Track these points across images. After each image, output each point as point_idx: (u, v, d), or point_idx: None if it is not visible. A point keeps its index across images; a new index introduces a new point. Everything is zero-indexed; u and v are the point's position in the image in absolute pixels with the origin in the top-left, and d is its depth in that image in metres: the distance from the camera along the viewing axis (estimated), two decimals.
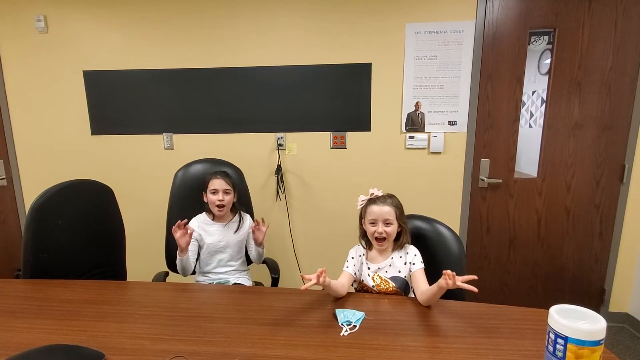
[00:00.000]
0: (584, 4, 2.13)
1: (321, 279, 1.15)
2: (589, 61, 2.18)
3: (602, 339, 0.77)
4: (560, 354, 0.80)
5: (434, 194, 2.41)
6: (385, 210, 1.33)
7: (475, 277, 1.09)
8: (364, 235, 1.42)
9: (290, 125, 2.40)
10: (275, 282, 1.85)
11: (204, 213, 1.77)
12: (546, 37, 3.08)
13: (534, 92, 3.46)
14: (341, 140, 2.40)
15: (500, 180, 2.36)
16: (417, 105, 2.31)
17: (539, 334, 1.04)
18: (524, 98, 2.30)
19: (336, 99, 2.35)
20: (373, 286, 1.35)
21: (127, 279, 1.82)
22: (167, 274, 1.86)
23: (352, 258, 1.41)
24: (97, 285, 1.40)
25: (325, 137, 2.41)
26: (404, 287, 1.34)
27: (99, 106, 2.46)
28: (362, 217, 1.41)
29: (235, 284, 1.74)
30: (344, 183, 2.45)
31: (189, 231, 1.54)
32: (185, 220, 1.56)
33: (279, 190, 2.47)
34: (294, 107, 2.38)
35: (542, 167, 2.33)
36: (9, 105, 2.48)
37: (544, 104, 2.30)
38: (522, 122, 2.29)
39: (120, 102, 2.44)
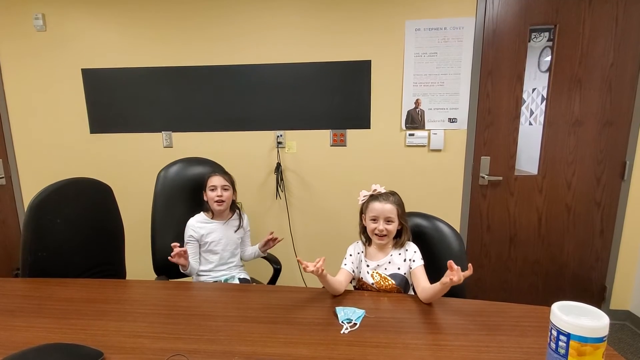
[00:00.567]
0: (585, 0, 2.12)
1: (318, 265, 1.15)
2: (589, 58, 2.17)
3: (605, 336, 0.76)
4: (562, 351, 0.79)
5: (434, 192, 2.40)
6: (387, 208, 1.32)
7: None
8: (363, 230, 1.42)
9: (289, 123, 2.40)
10: (277, 273, 1.86)
11: (201, 213, 1.77)
12: (546, 34, 3.07)
13: (534, 90, 3.45)
14: (341, 138, 2.39)
15: (501, 178, 2.35)
16: (417, 102, 2.30)
17: (540, 331, 1.03)
18: (524, 96, 2.29)
19: (336, 97, 2.34)
20: (372, 283, 1.35)
21: (127, 278, 1.82)
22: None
23: (351, 255, 1.40)
24: (96, 284, 1.39)
25: (325, 135, 2.40)
26: (403, 284, 1.34)
27: (98, 104, 2.45)
28: (362, 212, 1.41)
29: (240, 278, 1.75)
30: (343, 181, 2.44)
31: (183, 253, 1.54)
32: (177, 244, 1.52)
33: (279, 189, 2.46)
34: (293, 104, 2.37)
35: (542, 165, 2.33)
36: (7, 104, 2.47)
37: (545, 101, 2.29)
38: (522, 119, 2.28)
39: (119, 100, 2.43)
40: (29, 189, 2.58)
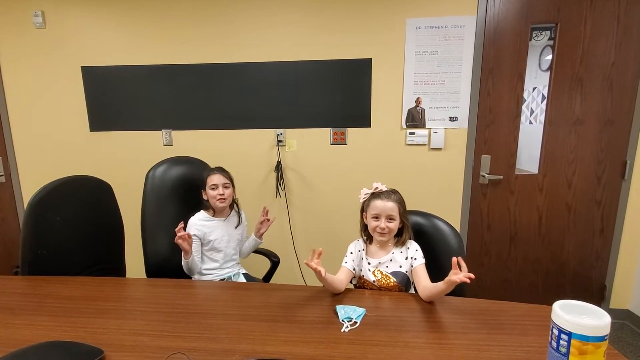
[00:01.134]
0: None
1: (316, 258, 1.15)
2: (590, 56, 2.17)
3: (606, 335, 0.76)
4: (564, 350, 0.79)
5: (434, 191, 2.39)
6: (389, 206, 1.32)
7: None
8: (364, 228, 1.41)
9: (290, 121, 2.39)
10: (275, 265, 1.86)
11: (201, 211, 1.76)
12: (548, 33, 3.06)
13: (534, 89, 3.45)
14: (341, 137, 2.38)
15: (501, 177, 2.34)
16: (417, 101, 2.29)
17: (542, 330, 1.03)
18: (525, 94, 2.28)
19: (336, 95, 2.33)
20: (374, 281, 1.34)
21: (127, 276, 1.81)
22: None
23: (351, 253, 1.40)
24: (96, 282, 1.39)
25: (325, 133, 2.39)
26: (404, 282, 1.34)
27: (98, 102, 2.44)
28: (363, 210, 1.40)
29: (243, 274, 1.76)
30: (344, 179, 2.44)
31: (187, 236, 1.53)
32: (182, 222, 1.51)
33: (279, 187, 2.46)
34: (293, 103, 2.36)
35: (543, 164, 2.32)
36: (6, 102, 2.46)
37: (545, 100, 2.28)
38: (522, 118, 2.28)
39: (119, 98, 2.43)
40: (29, 186, 2.58)
